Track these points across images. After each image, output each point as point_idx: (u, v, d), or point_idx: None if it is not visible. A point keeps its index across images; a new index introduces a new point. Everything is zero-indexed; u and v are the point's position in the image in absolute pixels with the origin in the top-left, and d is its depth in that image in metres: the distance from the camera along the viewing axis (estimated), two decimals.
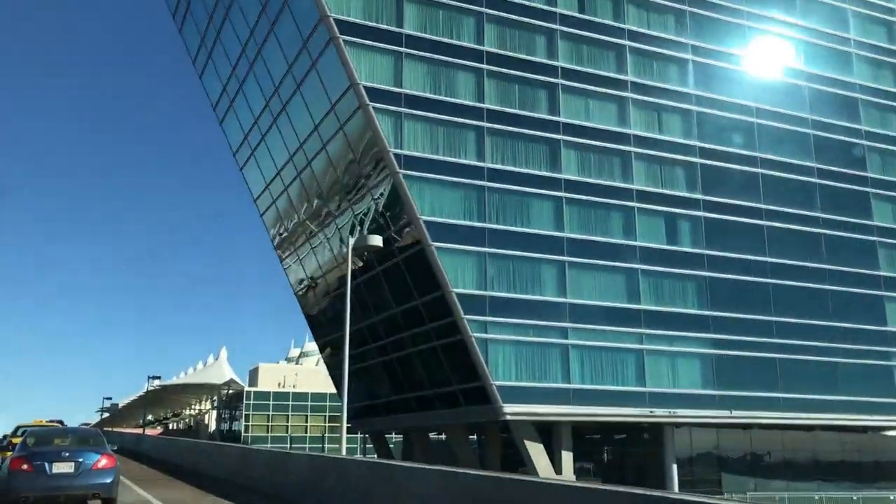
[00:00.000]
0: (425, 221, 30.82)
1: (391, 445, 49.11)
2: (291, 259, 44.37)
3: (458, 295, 31.01)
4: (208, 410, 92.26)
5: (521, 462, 33.87)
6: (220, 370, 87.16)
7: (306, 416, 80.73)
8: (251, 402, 79.22)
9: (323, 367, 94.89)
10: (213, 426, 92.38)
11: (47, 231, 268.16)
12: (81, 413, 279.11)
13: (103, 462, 13.13)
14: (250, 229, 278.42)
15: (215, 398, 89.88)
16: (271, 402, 79.99)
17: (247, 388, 79.38)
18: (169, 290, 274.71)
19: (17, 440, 19.50)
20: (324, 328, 43.61)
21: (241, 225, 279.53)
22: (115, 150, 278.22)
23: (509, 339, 31.74)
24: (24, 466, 12.51)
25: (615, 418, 33.07)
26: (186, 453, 28.24)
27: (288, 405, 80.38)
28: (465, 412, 32.64)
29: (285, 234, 43.95)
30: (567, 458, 31.95)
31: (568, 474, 31.43)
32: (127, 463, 30.69)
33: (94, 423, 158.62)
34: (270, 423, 79.56)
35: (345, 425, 23.20)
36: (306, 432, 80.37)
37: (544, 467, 31.20)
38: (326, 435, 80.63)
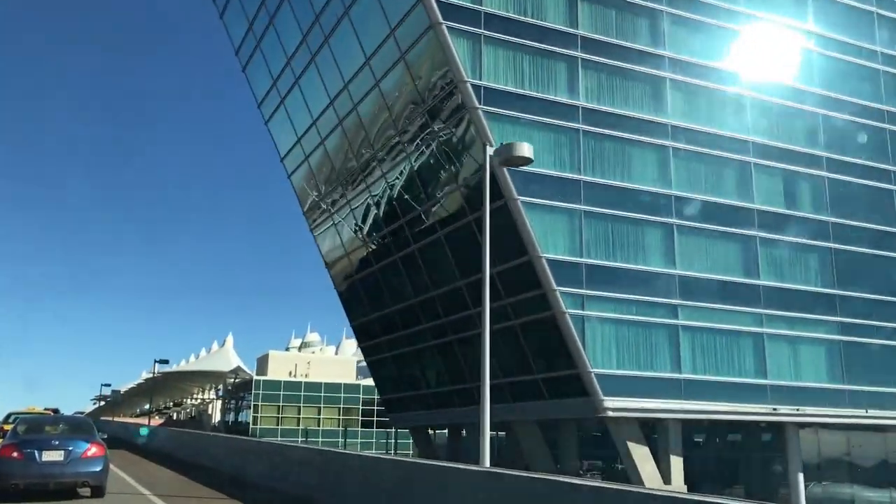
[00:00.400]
0: (510, 169, 24.79)
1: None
2: (325, 226, 38.31)
3: (549, 261, 25.05)
4: (212, 400, 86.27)
5: (610, 468, 28.01)
6: (226, 357, 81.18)
7: (319, 407, 74.75)
8: (260, 391, 73.16)
9: (337, 355, 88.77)
10: (217, 417, 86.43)
11: (46, 215, 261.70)
12: (80, 400, 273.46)
13: (93, 450, 13.13)
14: (253, 208, 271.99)
15: (220, 387, 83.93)
16: (282, 392, 73.97)
17: (255, 377, 73.37)
18: (169, 275, 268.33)
19: (9, 427, 18.97)
20: (361, 306, 37.57)
21: (241, 205, 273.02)
22: (113, 133, 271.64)
23: (609, 318, 25.79)
24: (14, 454, 12.57)
25: (733, 416, 27.15)
26: (228, 454, 21.45)
27: (299, 396, 74.37)
28: (553, 406, 26.66)
29: (319, 196, 37.87)
30: (677, 464, 25.99)
31: (678, 484, 25.51)
32: (142, 465, 24.47)
33: (88, 411, 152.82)
34: (280, 415, 73.57)
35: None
36: (319, 425, 74.42)
37: (650, 474, 25.28)
38: (343, 428, 74.78)
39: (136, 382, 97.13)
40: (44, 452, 12.58)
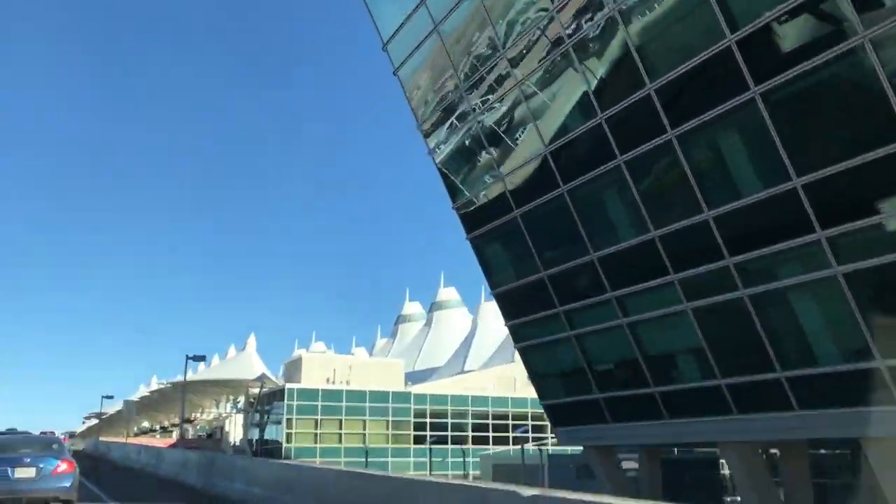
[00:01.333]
0: None
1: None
2: (451, 138, 26.05)
3: None
4: (230, 414, 73.94)
5: None
6: (248, 363, 68.89)
7: (364, 420, 62.59)
8: (294, 402, 61.01)
9: (374, 359, 76.54)
10: (236, 434, 74.03)
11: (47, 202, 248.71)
12: (75, 416, 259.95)
13: (63, 467, 14.42)
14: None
15: (240, 399, 71.66)
16: (320, 403, 61.81)
17: (287, 385, 61.16)
18: (165, 272, 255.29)
19: None
20: (517, 261, 25.24)
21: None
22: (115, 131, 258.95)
23: None
24: None
25: None
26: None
27: (341, 407, 62.23)
28: None
29: (445, 94, 25.53)
30: None
31: None
32: None
33: (80, 431, 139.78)
34: (319, 431, 61.38)
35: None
36: (364, 442, 62.26)
37: None
38: (391, 446, 62.57)
39: (139, 395, 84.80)
40: (16, 469, 13.66)
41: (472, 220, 25.98)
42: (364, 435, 62.67)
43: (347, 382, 63.70)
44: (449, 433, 65.97)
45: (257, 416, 67.38)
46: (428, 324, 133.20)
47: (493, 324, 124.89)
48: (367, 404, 63.25)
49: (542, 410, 27.30)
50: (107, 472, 32.27)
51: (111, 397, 59.60)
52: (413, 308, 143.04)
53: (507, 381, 71.52)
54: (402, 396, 64.45)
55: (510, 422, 67.04)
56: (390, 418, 63.60)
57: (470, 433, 66.31)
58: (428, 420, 65.20)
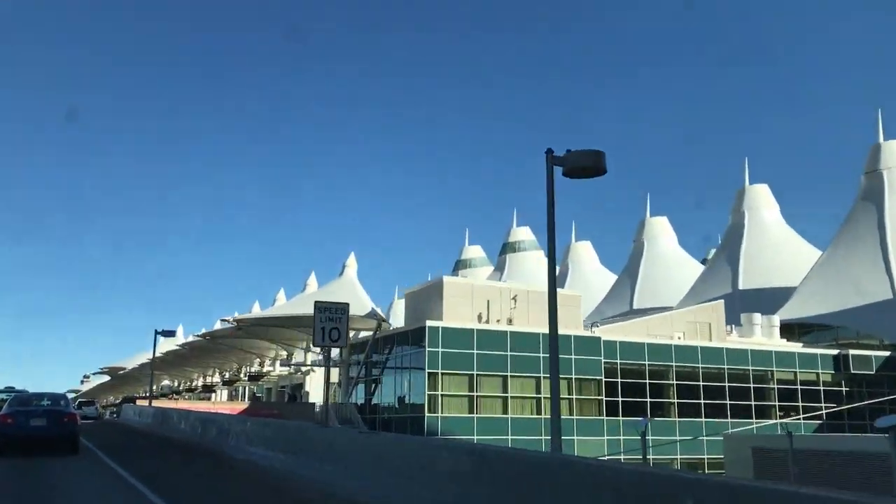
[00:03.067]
0: None
1: None
2: None
3: None
4: (308, 370, 52.35)
5: None
6: (350, 292, 47.33)
7: (537, 378, 41.32)
8: (439, 348, 39.63)
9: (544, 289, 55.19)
10: (317, 396, 52.60)
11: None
12: (72, 376, 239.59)
13: (67, 419, 18.01)
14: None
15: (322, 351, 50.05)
16: (476, 352, 40.44)
17: (430, 324, 39.60)
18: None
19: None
20: None
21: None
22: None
23: None
24: (9, 420, 17.44)
25: None
26: None
27: (504, 358, 40.86)
28: None
29: None
30: None
31: None
32: None
33: (84, 391, 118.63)
34: (476, 392, 40.11)
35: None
36: (538, 410, 41.10)
37: None
38: (576, 417, 41.58)
39: (175, 346, 63.19)
40: (31, 419, 17.55)
41: None
42: (537, 401, 41.49)
43: (509, 321, 42.25)
44: (648, 399, 44.96)
45: (361, 371, 45.89)
46: (499, 268, 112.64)
47: (587, 266, 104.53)
48: (541, 354, 41.85)
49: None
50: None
51: (172, 333, 36.68)
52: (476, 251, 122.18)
53: (698, 329, 50.47)
54: (589, 344, 43.16)
55: (755, 386, 46.24)
56: (573, 376, 42.36)
57: (676, 400, 45.37)
58: (619, 380, 44.12)
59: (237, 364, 68.41)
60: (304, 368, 51.40)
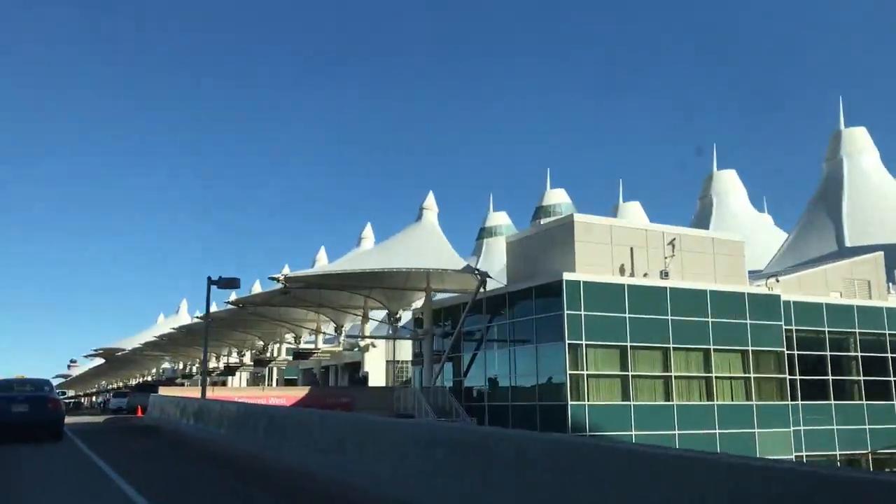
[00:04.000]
0: None
1: None
2: None
3: None
4: (368, 345, 40.99)
5: None
6: (436, 241, 36.12)
7: (706, 351, 30.45)
8: (581, 310, 28.58)
9: (706, 232, 40.72)
10: (378, 377, 41.49)
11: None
12: (56, 362, 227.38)
13: (51, 404, 17.50)
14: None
15: (402, 312, 39.23)
16: (628, 315, 29.43)
17: (567, 276, 28.45)
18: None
19: None
20: None
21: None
22: None
23: None
24: None
25: None
26: None
27: (665, 324, 29.90)
28: None
29: None
30: None
31: None
32: None
33: (75, 375, 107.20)
34: (631, 372, 29.11)
35: None
36: (708, 395, 30.29)
37: None
38: (755, 402, 30.98)
39: (189, 321, 51.85)
40: (13, 405, 16.71)
41: None
42: (706, 382, 30.61)
43: (664, 274, 31.20)
44: (830, 377, 34.27)
45: (446, 342, 34.80)
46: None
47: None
48: (710, 319, 30.94)
49: None
50: None
51: (234, 282, 25.46)
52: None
53: (856, 287, 39.71)
54: (766, 305, 32.26)
55: None
56: (749, 347, 31.51)
57: (861, 377, 34.72)
58: (795, 352, 33.32)
59: (261, 341, 57.07)
60: (362, 343, 40.33)
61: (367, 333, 40.89)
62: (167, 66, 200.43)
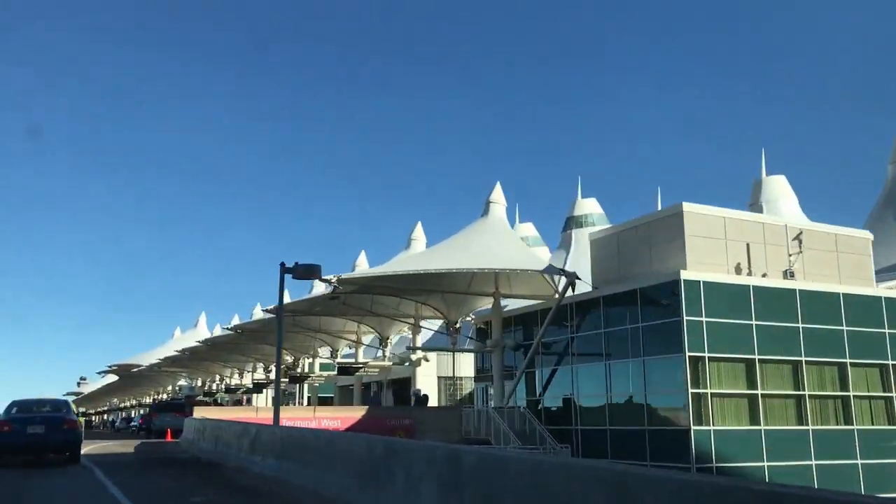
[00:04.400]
0: None
1: None
2: None
3: None
4: (420, 359, 36.16)
5: None
6: (508, 238, 31.49)
7: (840, 366, 25.56)
8: (702, 316, 23.85)
9: (831, 228, 35.75)
10: (428, 392, 36.64)
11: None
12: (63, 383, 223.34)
13: (67, 425, 16.81)
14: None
15: (466, 315, 34.69)
16: (755, 323, 24.59)
17: (685, 276, 23.74)
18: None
19: None
20: None
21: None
22: None
23: None
24: (6, 428, 16.37)
25: None
26: None
27: (796, 334, 25.02)
28: None
29: None
30: None
31: None
32: None
33: (87, 393, 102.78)
34: (760, 391, 24.22)
35: None
36: (846, 419, 25.39)
37: None
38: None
39: (224, 330, 47.18)
40: (28, 426, 16.22)
41: None
42: (843, 402, 25.73)
43: (788, 274, 26.41)
44: None
45: (526, 359, 30.10)
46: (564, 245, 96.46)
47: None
48: (845, 327, 26.15)
49: None
50: None
51: (315, 270, 20.75)
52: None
53: None
54: None
55: None
56: (890, 361, 26.66)
57: None
58: None
59: (289, 356, 52.33)
60: (414, 356, 35.59)
61: (418, 345, 36.15)
62: (169, 68, 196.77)
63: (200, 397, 60.77)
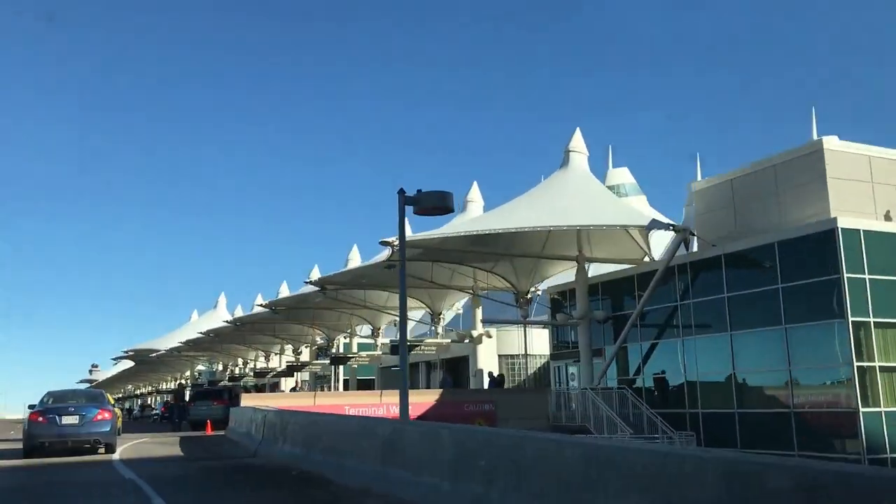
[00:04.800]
0: None
1: None
2: None
3: None
4: (481, 334, 31.87)
5: None
6: (597, 191, 26.99)
7: None
8: (864, 273, 19.37)
9: None
10: (483, 376, 32.33)
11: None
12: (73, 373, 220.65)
13: (102, 415, 16.83)
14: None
15: (536, 286, 30.38)
16: None
17: (842, 224, 19.31)
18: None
19: None
20: None
21: None
22: None
23: None
24: (40, 419, 16.41)
25: None
26: None
27: None
28: None
29: None
30: None
31: None
32: None
33: (101, 381, 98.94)
34: None
35: None
36: None
37: None
38: None
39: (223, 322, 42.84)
40: (63, 417, 16.28)
41: None
42: None
43: None
44: None
45: (626, 331, 25.79)
46: None
47: None
48: None
49: None
50: None
51: (445, 202, 16.65)
52: None
53: None
54: None
55: None
56: None
57: None
58: None
59: (320, 338, 48.14)
60: (475, 332, 31.35)
61: (479, 318, 31.88)
62: (170, 75, 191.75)
63: (223, 382, 56.67)
